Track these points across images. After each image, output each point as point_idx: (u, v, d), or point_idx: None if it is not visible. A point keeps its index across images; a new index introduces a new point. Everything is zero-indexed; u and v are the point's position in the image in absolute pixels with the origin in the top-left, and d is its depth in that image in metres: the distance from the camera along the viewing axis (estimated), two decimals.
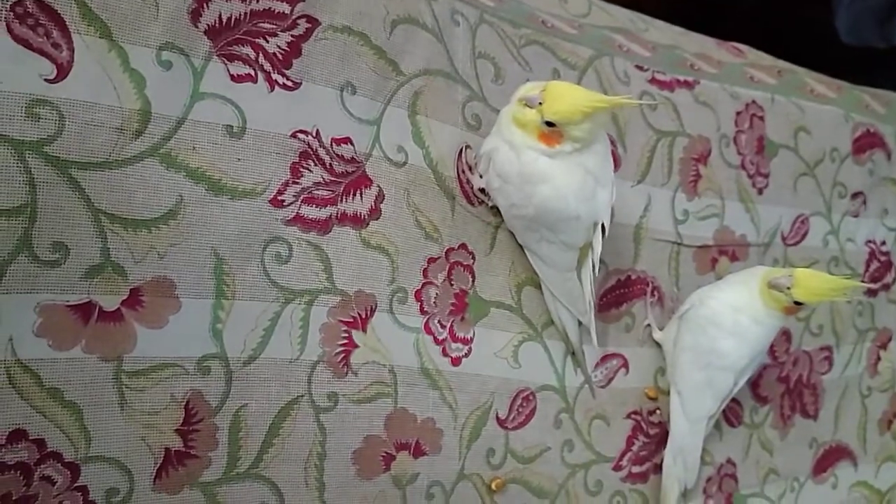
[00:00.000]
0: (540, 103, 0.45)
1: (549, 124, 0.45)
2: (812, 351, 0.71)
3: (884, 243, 0.78)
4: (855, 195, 0.75)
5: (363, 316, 0.47)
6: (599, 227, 0.50)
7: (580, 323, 0.55)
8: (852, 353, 0.74)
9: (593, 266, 0.51)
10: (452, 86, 0.51)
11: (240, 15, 0.42)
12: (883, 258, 0.77)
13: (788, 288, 0.53)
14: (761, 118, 0.69)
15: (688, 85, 0.65)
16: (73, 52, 0.38)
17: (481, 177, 0.51)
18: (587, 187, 0.47)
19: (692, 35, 0.72)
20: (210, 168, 0.42)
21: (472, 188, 0.52)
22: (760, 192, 0.68)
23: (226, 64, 0.42)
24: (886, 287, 0.78)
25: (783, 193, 0.69)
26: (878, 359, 0.77)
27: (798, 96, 0.73)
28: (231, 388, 0.43)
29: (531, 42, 0.57)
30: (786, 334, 0.69)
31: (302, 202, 0.45)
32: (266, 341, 0.44)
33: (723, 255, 0.65)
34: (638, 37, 0.66)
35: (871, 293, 0.77)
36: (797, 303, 0.53)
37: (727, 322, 0.56)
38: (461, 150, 0.51)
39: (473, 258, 0.52)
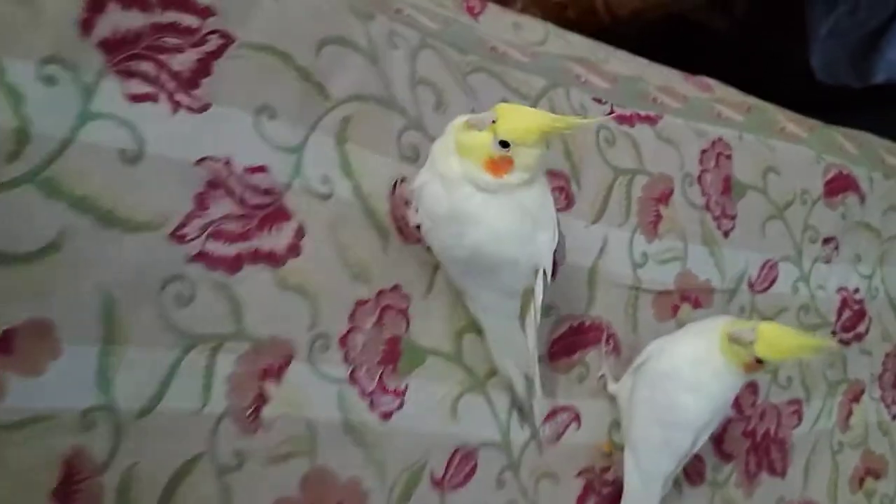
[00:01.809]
0: (493, 121, 0.41)
1: (504, 145, 0.41)
2: (780, 404, 0.68)
3: (857, 291, 0.76)
4: (827, 240, 0.73)
5: (278, 365, 0.43)
6: (541, 273, 0.46)
7: None
8: (822, 407, 0.72)
9: (535, 315, 0.47)
10: (388, 113, 0.48)
11: (140, 27, 0.38)
12: (856, 307, 0.75)
13: (751, 342, 0.50)
14: (728, 157, 0.67)
15: (650, 120, 0.62)
16: None
17: (417, 212, 0.47)
18: (525, 229, 0.44)
19: (657, 67, 0.71)
20: (100, 197, 0.37)
21: (407, 224, 0.48)
22: (726, 234, 0.66)
23: (122, 81, 0.38)
24: (859, 337, 0.75)
25: (750, 237, 0.67)
26: (850, 413, 0.74)
27: (768, 135, 0.71)
28: (120, 443, 0.38)
29: (478, 69, 0.54)
30: (752, 386, 0.66)
31: (207, 237, 0.41)
32: (163, 392, 0.39)
33: (685, 301, 0.62)
34: (597, 67, 0.63)
35: (844, 343, 0.74)
36: (759, 360, 0.50)
37: (685, 376, 0.53)
38: (396, 183, 0.48)
39: (409, 301, 0.48)
